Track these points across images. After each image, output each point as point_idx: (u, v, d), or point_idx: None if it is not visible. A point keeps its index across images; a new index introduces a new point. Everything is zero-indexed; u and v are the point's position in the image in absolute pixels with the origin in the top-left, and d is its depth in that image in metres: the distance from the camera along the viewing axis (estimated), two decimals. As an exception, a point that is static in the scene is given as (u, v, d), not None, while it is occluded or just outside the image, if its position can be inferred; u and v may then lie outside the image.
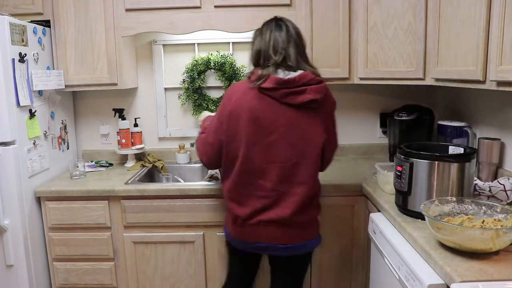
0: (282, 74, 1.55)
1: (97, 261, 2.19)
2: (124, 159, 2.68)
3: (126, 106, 2.68)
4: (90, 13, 2.28)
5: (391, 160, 2.44)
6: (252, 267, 1.86)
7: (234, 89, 1.64)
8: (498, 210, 1.37)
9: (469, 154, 1.55)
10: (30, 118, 2.12)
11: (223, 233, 2.17)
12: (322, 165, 1.72)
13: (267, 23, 1.66)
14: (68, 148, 2.56)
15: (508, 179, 1.69)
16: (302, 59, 1.61)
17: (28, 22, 2.15)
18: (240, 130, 1.57)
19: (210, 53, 2.62)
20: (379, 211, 1.83)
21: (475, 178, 1.76)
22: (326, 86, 1.60)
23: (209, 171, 2.41)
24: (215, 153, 1.67)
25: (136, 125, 2.65)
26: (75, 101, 2.69)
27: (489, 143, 1.87)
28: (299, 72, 1.56)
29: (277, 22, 1.64)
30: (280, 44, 1.58)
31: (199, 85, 2.62)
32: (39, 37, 2.21)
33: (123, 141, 2.59)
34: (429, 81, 1.98)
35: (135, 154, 2.64)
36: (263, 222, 1.60)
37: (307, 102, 1.54)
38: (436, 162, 1.51)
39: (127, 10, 2.28)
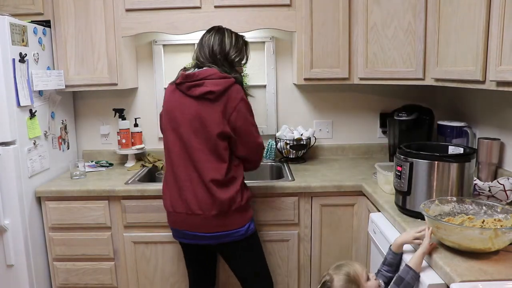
0: (191, 71, 1.76)
1: (97, 261, 2.19)
2: (124, 159, 2.68)
3: (126, 106, 2.68)
4: (90, 13, 2.28)
5: (391, 160, 2.44)
6: None
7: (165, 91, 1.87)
8: (499, 210, 1.37)
9: (469, 154, 1.55)
10: (30, 118, 2.12)
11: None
12: (245, 164, 1.82)
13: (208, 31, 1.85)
14: (68, 148, 2.56)
15: (508, 179, 1.70)
16: (217, 61, 1.77)
17: (29, 22, 2.15)
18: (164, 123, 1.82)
19: (210, 53, 2.62)
20: (379, 211, 1.83)
21: (475, 178, 1.76)
22: (232, 83, 1.72)
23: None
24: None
25: (136, 125, 2.65)
26: (75, 101, 2.69)
27: (489, 143, 1.87)
28: (204, 68, 1.74)
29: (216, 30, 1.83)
30: (205, 47, 1.79)
31: (199, 85, 2.62)
32: (40, 37, 2.22)
33: (123, 141, 2.59)
34: (429, 81, 1.98)
35: (135, 154, 2.64)
36: None
37: (205, 93, 1.68)
38: (436, 162, 1.52)
39: (127, 10, 2.28)
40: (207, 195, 1.69)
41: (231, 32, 1.83)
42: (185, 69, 1.83)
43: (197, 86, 1.70)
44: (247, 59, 1.88)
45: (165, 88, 2.69)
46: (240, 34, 1.87)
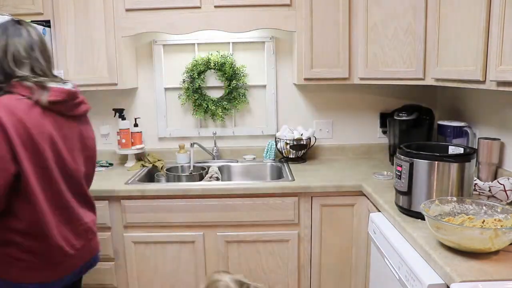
0: (56, 85, 1.37)
1: (97, 261, 2.19)
2: (124, 159, 2.68)
3: (126, 106, 2.68)
4: (90, 13, 2.28)
5: (391, 160, 2.44)
6: None
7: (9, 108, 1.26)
8: (499, 210, 1.37)
9: (469, 154, 1.55)
10: (30, 118, 2.11)
11: (224, 233, 2.18)
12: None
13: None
14: (68, 148, 2.56)
15: (508, 179, 1.70)
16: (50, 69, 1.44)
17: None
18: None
19: (210, 53, 2.62)
20: (379, 211, 1.83)
21: (475, 178, 1.76)
22: None
23: (210, 170, 2.41)
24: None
25: (136, 125, 2.65)
26: (75, 101, 2.69)
27: (489, 143, 1.87)
28: (69, 82, 1.45)
29: (15, 26, 1.40)
30: (22, 52, 1.35)
31: (199, 85, 2.62)
32: (39, 37, 2.21)
33: (123, 141, 2.59)
34: (429, 81, 1.98)
35: (135, 154, 2.64)
36: None
37: (84, 112, 1.52)
38: (436, 162, 1.52)
39: (127, 10, 2.29)
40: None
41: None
42: (14, 86, 1.31)
43: (79, 105, 1.48)
44: None
45: (166, 88, 2.69)
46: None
